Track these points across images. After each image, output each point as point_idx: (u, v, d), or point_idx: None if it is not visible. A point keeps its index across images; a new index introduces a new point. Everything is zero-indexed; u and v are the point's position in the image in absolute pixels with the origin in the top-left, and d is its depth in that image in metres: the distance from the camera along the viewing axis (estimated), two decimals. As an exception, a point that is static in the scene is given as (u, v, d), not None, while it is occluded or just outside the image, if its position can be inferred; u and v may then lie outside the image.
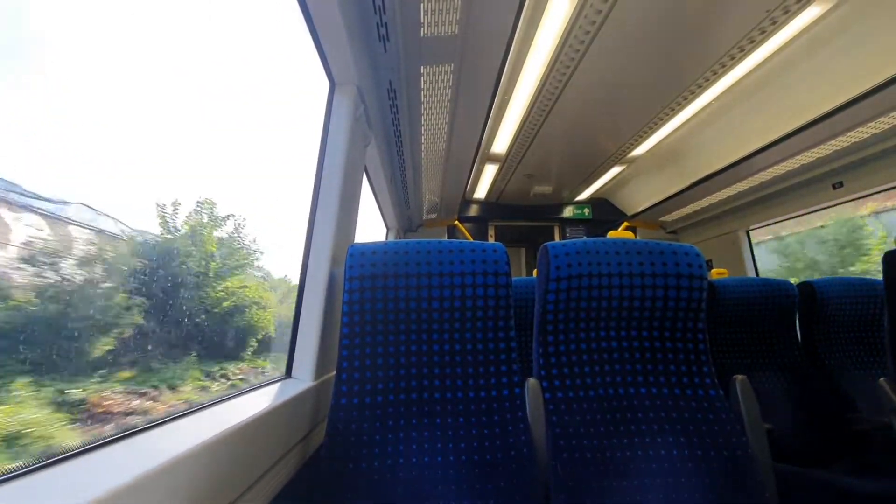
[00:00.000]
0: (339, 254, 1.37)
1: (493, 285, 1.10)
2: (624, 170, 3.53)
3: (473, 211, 4.49)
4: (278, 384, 1.12)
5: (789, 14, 1.71)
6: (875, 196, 2.60)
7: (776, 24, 1.77)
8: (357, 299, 1.07)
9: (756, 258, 3.56)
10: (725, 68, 2.07)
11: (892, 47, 1.73)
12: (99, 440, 0.58)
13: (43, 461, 0.51)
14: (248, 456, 0.76)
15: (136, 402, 2.20)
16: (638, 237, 3.08)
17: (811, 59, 1.96)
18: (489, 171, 3.56)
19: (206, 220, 3.05)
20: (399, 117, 2.10)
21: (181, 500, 0.55)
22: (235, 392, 0.96)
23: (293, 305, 1.30)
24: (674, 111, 2.51)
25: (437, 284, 1.09)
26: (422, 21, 1.48)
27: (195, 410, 0.79)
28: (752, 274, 3.50)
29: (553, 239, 4.26)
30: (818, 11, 1.70)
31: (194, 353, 2.75)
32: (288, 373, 1.23)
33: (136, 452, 0.57)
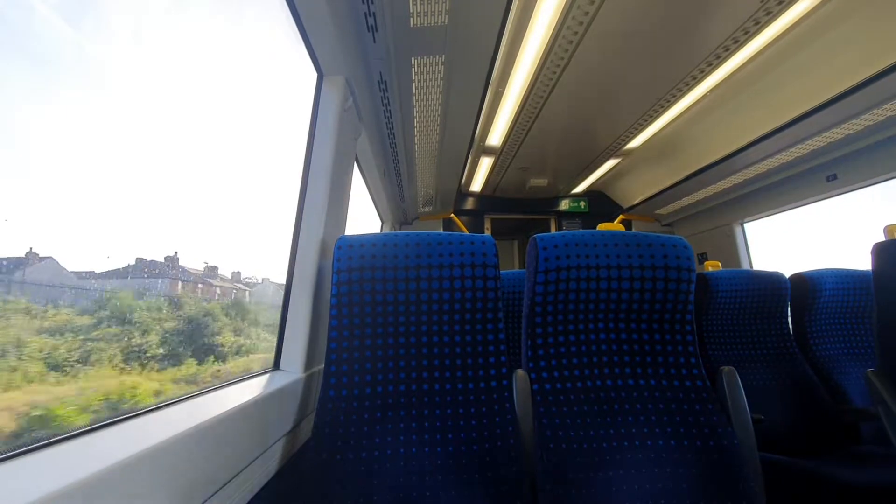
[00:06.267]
0: (329, 246, 1.37)
1: (482, 277, 1.10)
2: (619, 162, 3.52)
3: (469, 204, 4.48)
4: (266, 376, 1.12)
5: (783, 5, 1.70)
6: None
7: (770, 16, 1.76)
8: (345, 291, 1.06)
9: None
10: (720, 60, 2.06)
11: (884, 39, 1.72)
12: (65, 433, 0.58)
13: None
14: (230, 447, 0.76)
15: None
16: (634, 230, 3.08)
17: (805, 50, 1.95)
18: (484, 164, 3.55)
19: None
20: (391, 109, 2.08)
21: (152, 492, 0.55)
22: (220, 383, 0.96)
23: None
24: (669, 103, 2.50)
25: (426, 276, 1.09)
26: (410, 11, 1.46)
27: (176, 401, 0.79)
28: (746, 267, 3.51)
29: (550, 232, 4.26)
30: (811, 2, 1.69)
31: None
32: (276, 365, 1.23)
33: (104, 445, 0.56)
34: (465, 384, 1.06)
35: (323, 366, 1.05)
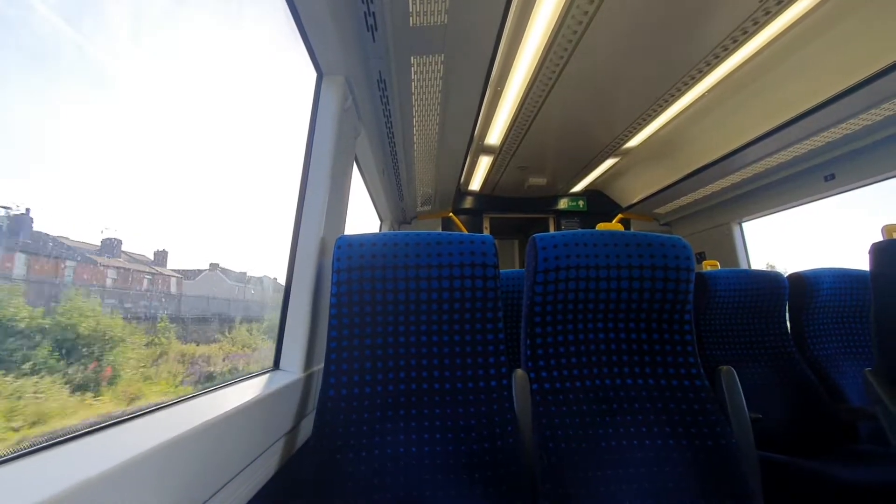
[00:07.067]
0: (329, 245, 1.37)
1: (482, 277, 1.10)
2: (618, 161, 3.52)
3: (468, 203, 4.48)
4: (266, 376, 1.12)
5: (782, 4, 1.70)
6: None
7: (769, 15, 1.76)
8: (345, 291, 1.07)
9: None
10: (719, 59, 2.06)
11: (883, 38, 1.72)
12: (62, 436, 0.58)
13: None
14: (231, 447, 0.76)
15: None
16: (632, 229, 3.07)
17: (803, 50, 1.95)
18: (483, 163, 3.55)
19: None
20: (390, 108, 2.08)
21: (153, 492, 0.55)
22: (220, 384, 0.96)
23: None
24: (667, 103, 2.50)
25: (425, 276, 1.09)
26: (410, 10, 1.45)
27: (176, 402, 0.79)
28: (744, 266, 3.52)
29: (548, 231, 4.26)
30: (810, 2, 1.69)
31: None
32: (276, 364, 1.23)
33: (105, 447, 0.56)
34: (465, 384, 1.07)
35: (323, 365, 1.05)
